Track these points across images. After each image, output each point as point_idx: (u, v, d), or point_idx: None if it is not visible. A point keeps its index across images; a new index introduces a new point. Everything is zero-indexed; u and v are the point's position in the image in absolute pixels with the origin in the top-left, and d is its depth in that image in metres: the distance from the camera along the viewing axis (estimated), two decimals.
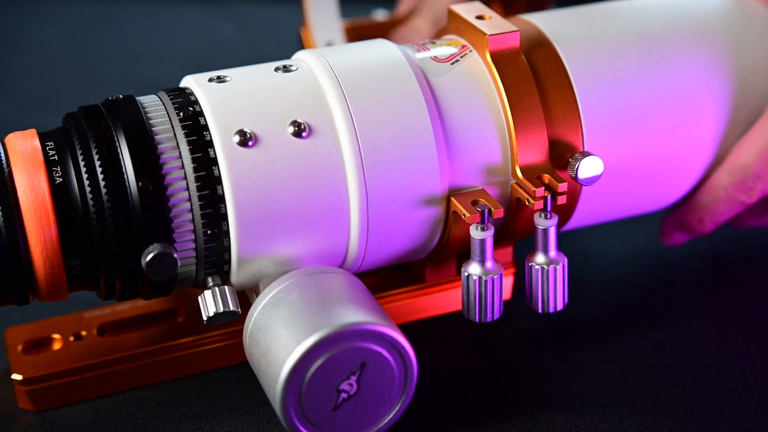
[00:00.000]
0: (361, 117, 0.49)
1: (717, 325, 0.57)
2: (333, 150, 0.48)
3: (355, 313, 0.46)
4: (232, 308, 0.48)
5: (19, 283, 0.47)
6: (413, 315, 0.57)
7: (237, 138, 0.47)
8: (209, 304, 0.48)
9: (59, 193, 0.47)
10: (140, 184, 0.46)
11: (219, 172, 0.47)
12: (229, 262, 0.48)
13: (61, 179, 0.47)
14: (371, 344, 0.46)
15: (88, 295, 0.53)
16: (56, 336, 0.54)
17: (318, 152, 0.48)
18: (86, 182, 0.46)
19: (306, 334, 0.45)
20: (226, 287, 0.49)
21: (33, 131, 0.48)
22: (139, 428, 0.51)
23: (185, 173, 0.47)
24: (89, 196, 0.46)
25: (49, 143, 0.47)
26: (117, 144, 0.47)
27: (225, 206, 0.47)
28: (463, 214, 0.49)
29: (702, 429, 0.50)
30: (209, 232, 0.47)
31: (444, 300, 0.57)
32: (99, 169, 0.46)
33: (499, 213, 0.49)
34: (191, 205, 0.47)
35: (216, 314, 0.48)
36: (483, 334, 0.57)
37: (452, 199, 0.50)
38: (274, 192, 0.47)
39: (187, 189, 0.47)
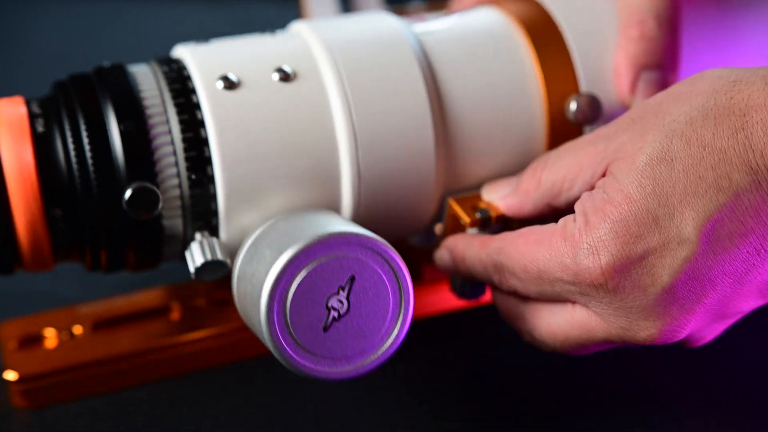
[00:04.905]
0: (349, 68, 0.48)
1: None
2: (320, 93, 0.48)
3: (342, 225, 0.45)
4: (220, 257, 0.46)
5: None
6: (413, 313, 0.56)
7: (221, 84, 0.47)
8: (196, 254, 0.47)
9: (41, 143, 0.46)
10: (122, 126, 0.46)
11: (202, 116, 0.47)
12: (216, 214, 0.48)
13: (43, 129, 0.47)
14: (359, 253, 0.44)
15: (83, 293, 0.53)
16: (50, 332, 0.54)
17: (304, 95, 0.48)
18: (68, 129, 0.46)
19: (289, 245, 0.44)
20: (214, 239, 0.47)
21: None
22: (138, 431, 0.51)
23: (168, 117, 0.47)
24: (70, 140, 0.46)
25: (35, 101, 0.48)
26: (98, 95, 0.47)
27: (209, 149, 0.47)
28: (461, 219, 0.49)
29: (702, 429, 0.50)
30: (194, 177, 0.47)
31: (442, 299, 0.57)
32: (80, 115, 0.46)
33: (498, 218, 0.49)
34: (174, 149, 0.47)
35: (204, 264, 0.46)
36: (482, 334, 0.56)
37: (451, 202, 0.50)
38: (259, 134, 0.47)
39: (170, 132, 0.47)
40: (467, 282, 0.50)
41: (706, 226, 0.42)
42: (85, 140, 0.46)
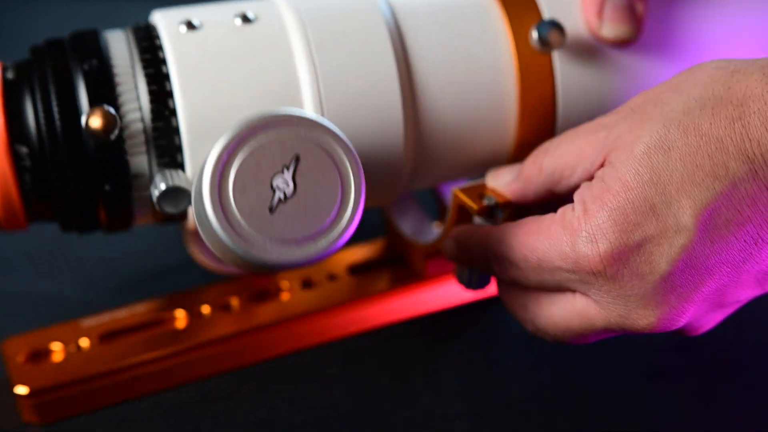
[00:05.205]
0: (310, 10, 0.49)
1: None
2: (281, 31, 0.49)
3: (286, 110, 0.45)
4: (182, 185, 0.46)
5: None
6: (412, 311, 0.57)
7: (184, 28, 0.49)
8: (159, 182, 0.47)
9: (10, 88, 0.47)
10: (85, 65, 0.47)
11: (164, 55, 0.48)
12: (181, 149, 0.48)
13: (12, 77, 0.48)
14: (302, 132, 0.43)
15: (81, 298, 0.52)
16: (57, 346, 0.54)
17: (265, 33, 0.49)
18: (35, 73, 0.47)
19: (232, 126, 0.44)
20: (179, 170, 0.48)
21: None
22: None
23: (131, 57, 0.48)
24: (36, 82, 0.47)
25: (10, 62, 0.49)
26: (66, 46, 0.48)
27: (170, 84, 0.48)
28: (470, 207, 0.49)
29: (703, 428, 0.50)
30: (155, 107, 0.47)
31: (445, 295, 0.57)
32: (48, 60, 0.48)
33: (506, 205, 0.49)
34: (136, 83, 0.48)
35: (167, 190, 0.46)
36: (484, 331, 0.56)
37: (457, 192, 0.50)
38: (219, 69, 0.48)
39: (132, 69, 0.48)
40: (473, 273, 0.50)
41: (703, 215, 0.42)
42: (50, 79, 0.47)
